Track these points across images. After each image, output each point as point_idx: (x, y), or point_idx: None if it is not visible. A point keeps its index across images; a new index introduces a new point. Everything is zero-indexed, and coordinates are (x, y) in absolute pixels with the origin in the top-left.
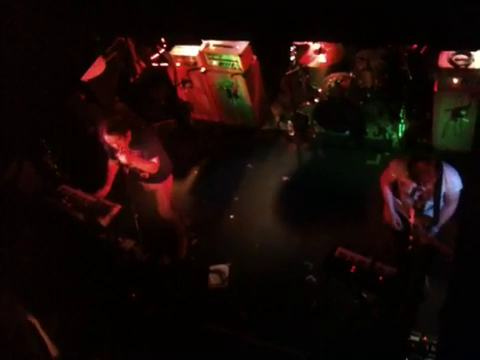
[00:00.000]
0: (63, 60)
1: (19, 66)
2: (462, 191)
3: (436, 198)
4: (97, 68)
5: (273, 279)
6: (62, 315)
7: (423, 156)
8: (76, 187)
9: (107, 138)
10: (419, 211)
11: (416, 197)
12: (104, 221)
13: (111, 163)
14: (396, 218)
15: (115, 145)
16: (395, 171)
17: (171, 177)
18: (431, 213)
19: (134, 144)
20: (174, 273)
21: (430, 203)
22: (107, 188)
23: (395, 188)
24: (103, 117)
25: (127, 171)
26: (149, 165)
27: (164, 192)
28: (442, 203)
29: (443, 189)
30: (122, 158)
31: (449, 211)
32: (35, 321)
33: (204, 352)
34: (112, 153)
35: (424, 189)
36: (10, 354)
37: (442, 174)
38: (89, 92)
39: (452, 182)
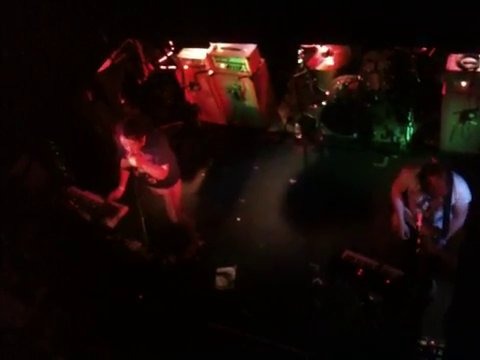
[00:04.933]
0: (71, 60)
1: (27, 66)
2: (471, 203)
3: (446, 209)
4: (105, 63)
5: (279, 281)
6: (63, 314)
7: (435, 168)
8: (84, 188)
9: (123, 140)
10: (427, 221)
11: (425, 207)
12: (111, 222)
13: (123, 164)
14: (405, 228)
15: (128, 147)
16: (406, 180)
17: (179, 183)
18: (440, 224)
19: (147, 148)
20: (180, 274)
21: (439, 214)
22: (121, 188)
23: (405, 197)
24: (113, 117)
25: (136, 173)
26: (158, 171)
27: (171, 197)
28: (451, 215)
29: (452, 200)
30: (132, 161)
31: (458, 223)
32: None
33: (209, 351)
34: (123, 154)
35: (434, 200)
36: (10, 354)
37: (452, 185)
38: (96, 90)
39: (461, 193)
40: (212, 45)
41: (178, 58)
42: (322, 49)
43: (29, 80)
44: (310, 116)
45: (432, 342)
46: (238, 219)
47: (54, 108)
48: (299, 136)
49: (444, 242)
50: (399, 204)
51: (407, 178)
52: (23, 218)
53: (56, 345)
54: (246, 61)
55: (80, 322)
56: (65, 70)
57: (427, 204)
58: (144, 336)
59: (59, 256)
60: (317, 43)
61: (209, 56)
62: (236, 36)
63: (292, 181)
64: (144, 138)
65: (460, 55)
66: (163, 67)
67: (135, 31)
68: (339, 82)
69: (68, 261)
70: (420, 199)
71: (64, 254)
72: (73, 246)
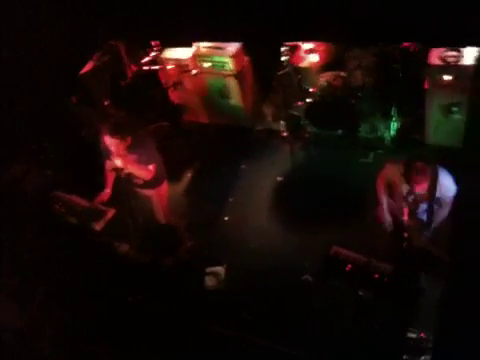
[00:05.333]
0: (63, 62)
1: (19, 67)
2: (456, 195)
3: (430, 202)
4: (87, 64)
5: (269, 279)
6: (62, 314)
7: (422, 155)
8: (71, 190)
9: (108, 140)
10: (412, 214)
11: (410, 200)
12: (98, 226)
13: (109, 165)
14: (388, 220)
15: (113, 148)
16: (389, 172)
17: (166, 183)
18: (424, 216)
19: (132, 149)
20: (170, 275)
21: (424, 206)
22: (108, 191)
23: (390, 190)
24: (98, 119)
25: (122, 175)
26: (144, 171)
27: (159, 198)
28: (435, 207)
29: (437, 193)
30: (118, 161)
31: (442, 215)
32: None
33: (204, 352)
34: (108, 155)
35: (418, 192)
36: (10, 354)
37: (437, 178)
38: (81, 93)
39: (446, 186)
40: (195, 44)
41: (161, 58)
42: (306, 46)
43: (27, 80)
44: (295, 113)
45: (422, 335)
46: (226, 218)
47: (45, 110)
48: (285, 134)
49: (428, 234)
50: (383, 196)
51: (392, 170)
52: (22, 218)
53: (56, 345)
54: (230, 60)
55: (80, 322)
56: (57, 71)
57: (412, 197)
58: (144, 336)
59: (58, 256)
60: (301, 40)
61: (193, 56)
62: (220, 35)
63: (279, 179)
64: (129, 138)
65: (442, 49)
66: (146, 67)
67: (117, 32)
68: (323, 79)
69: (67, 261)
70: (405, 192)
71: (63, 254)
72: (72, 246)
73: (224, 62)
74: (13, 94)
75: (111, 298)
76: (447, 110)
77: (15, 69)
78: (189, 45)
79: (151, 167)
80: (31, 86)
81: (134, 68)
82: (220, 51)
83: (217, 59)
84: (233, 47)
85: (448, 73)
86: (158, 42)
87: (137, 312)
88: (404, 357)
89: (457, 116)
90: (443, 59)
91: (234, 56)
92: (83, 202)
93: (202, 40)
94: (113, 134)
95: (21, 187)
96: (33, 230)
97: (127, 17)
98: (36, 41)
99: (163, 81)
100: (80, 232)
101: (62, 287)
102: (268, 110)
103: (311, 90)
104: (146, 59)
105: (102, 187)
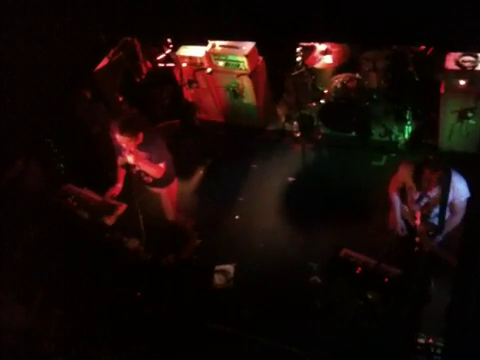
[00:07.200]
0: (68, 59)
1: (24, 65)
2: (469, 199)
3: (442, 206)
4: (102, 61)
5: (278, 279)
6: (63, 314)
7: (431, 162)
8: (82, 186)
9: (119, 137)
10: (424, 218)
11: (422, 204)
12: (109, 220)
13: (120, 161)
14: (401, 224)
15: (124, 145)
16: (402, 175)
17: (176, 182)
18: (436, 221)
19: (143, 146)
20: (178, 273)
21: (436, 210)
22: (119, 186)
23: (403, 193)
24: (111, 116)
25: (133, 172)
26: (155, 169)
27: (168, 196)
28: (448, 212)
29: (450, 197)
30: (130, 158)
31: (455, 220)
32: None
33: (209, 351)
34: (120, 151)
35: (431, 196)
36: (11, 355)
37: (450, 181)
38: (95, 90)
39: (459, 190)
40: (211, 43)
41: (176, 56)
42: (321, 47)
43: (26, 78)
44: (308, 114)
45: (430, 340)
46: (237, 217)
47: (52, 107)
48: (297, 134)
49: (440, 239)
50: (396, 200)
51: (405, 174)
52: (21, 219)
53: (57, 346)
54: (244, 59)
55: (81, 323)
56: (63, 69)
57: (425, 200)
58: (144, 336)
59: (58, 257)
60: (316, 41)
61: (208, 54)
62: (234, 34)
63: (290, 179)
64: (140, 135)
65: (458, 54)
66: (161, 65)
67: (132, 29)
68: (337, 80)
69: (67, 262)
70: (417, 195)
71: (63, 254)
72: (72, 246)
73: (238, 61)
74: (13, 91)
75: (111, 298)
76: (462, 115)
77: (19, 66)
78: (204, 43)
79: (162, 165)
80: (32, 82)
81: (149, 65)
82: (235, 50)
83: (231, 58)
84: (248, 46)
85: (464, 78)
86: (173, 39)
87: (137, 312)
88: None
89: (472, 121)
90: (459, 64)
91: (248, 55)
92: (95, 196)
93: (216, 38)
94: (123, 131)
95: (21, 187)
96: (32, 230)
97: (141, 13)
98: (37, 38)
99: (178, 79)
100: (85, 229)
101: (62, 288)
102: (281, 110)
103: (325, 91)
104: (161, 56)
105: (110, 183)
